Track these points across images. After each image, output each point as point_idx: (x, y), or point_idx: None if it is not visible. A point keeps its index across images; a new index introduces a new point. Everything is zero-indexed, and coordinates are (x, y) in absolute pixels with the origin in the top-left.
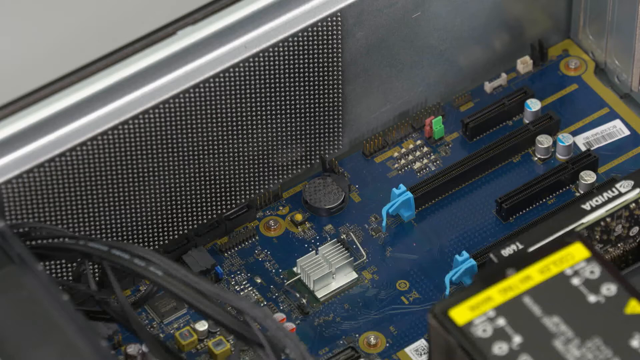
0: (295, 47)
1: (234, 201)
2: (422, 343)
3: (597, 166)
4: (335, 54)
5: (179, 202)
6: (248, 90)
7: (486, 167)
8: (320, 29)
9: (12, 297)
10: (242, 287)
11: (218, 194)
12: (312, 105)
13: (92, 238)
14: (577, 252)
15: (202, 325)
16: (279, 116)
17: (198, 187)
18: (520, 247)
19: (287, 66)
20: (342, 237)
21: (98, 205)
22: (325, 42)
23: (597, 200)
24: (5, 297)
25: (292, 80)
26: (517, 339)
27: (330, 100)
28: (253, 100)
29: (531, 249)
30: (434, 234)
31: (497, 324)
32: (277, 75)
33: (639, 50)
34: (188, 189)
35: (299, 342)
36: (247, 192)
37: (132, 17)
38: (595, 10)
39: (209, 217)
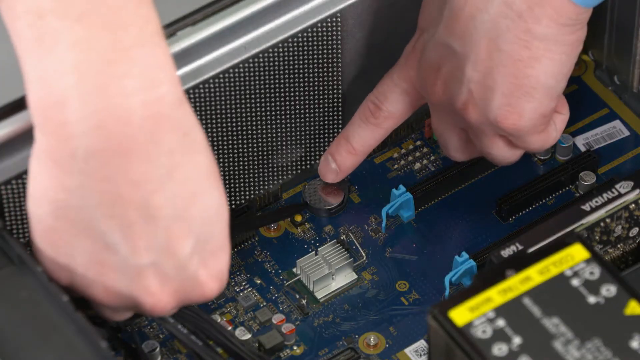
0: (295, 48)
1: (234, 201)
2: (421, 344)
3: (597, 167)
4: (335, 55)
5: None
6: (248, 91)
7: (486, 168)
8: (320, 29)
9: (11, 298)
10: (241, 287)
11: None
12: (311, 106)
13: None
14: (577, 253)
15: None
16: (278, 117)
17: None
18: (520, 247)
19: (287, 66)
20: (341, 237)
21: None
22: (325, 42)
23: (596, 201)
24: (5, 298)
25: (292, 80)
26: (516, 340)
27: (330, 100)
28: (253, 100)
29: (531, 249)
30: (434, 235)
31: (497, 325)
32: (277, 76)
33: (639, 50)
34: None
35: None
36: (247, 192)
37: None
38: (595, 11)
39: None
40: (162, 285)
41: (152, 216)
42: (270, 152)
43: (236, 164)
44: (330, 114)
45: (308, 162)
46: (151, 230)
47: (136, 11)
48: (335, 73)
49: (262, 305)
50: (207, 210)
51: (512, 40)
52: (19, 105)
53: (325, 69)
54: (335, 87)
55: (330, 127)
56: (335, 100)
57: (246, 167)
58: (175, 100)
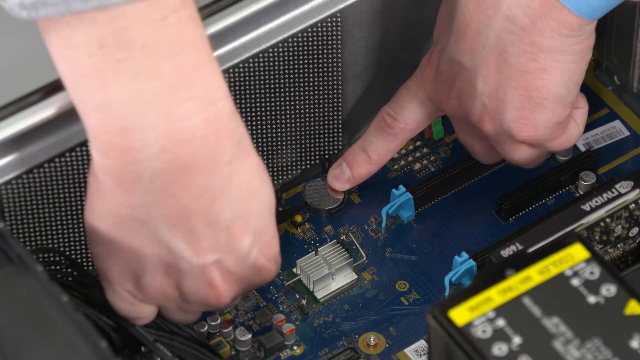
0: (295, 48)
1: None
2: (421, 344)
3: (597, 167)
4: (335, 55)
5: None
6: (247, 91)
7: (486, 168)
8: (320, 29)
9: (11, 298)
10: None
11: None
12: (311, 106)
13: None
14: (577, 252)
15: (202, 327)
16: (278, 117)
17: None
18: (520, 247)
19: (286, 66)
20: (341, 238)
21: None
22: (325, 42)
23: (596, 201)
24: (4, 298)
25: (292, 80)
26: (516, 340)
27: (330, 100)
28: (252, 101)
29: (531, 249)
30: (434, 235)
31: (497, 324)
32: (276, 76)
33: (639, 50)
34: None
35: None
36: None
37: None
38: None
39: None
40: (225, 277)
41: (214, 221)
42: (270, 152)
43: None
44: (330, 114)
45: (308, 162)
46: (213, 233)
47: (194, 33)
48: (335, 73)
49: (262, 306)
50: (262, 205)
51: (518, 53)
52: (19, 105)
53: (325, 69)
54: (335, 87)
55: (330, 127)
56: (335, 100)
57: None
58: (230, 112)
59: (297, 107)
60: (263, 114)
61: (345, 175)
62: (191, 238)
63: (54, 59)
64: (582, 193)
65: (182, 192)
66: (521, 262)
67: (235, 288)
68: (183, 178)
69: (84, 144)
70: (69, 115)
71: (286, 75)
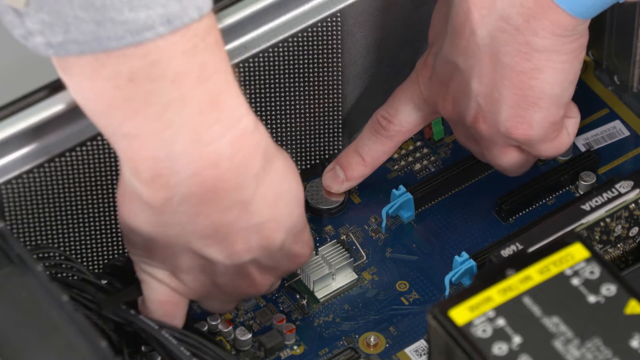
0: (295, 47)
1: None
2: (422, 344)
3: (597, 167)
4: (335, 54)
5: None
6: (247, 91)
7: (486, 168)
8: (320, 29)
9: (11, 298)
10: None
11: None
12: (311, 106)
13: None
14: (577, 252)
15: (202, 326)
16: (278, 117)
17: None
18: (520, 247)
19: (286, 66)
20: (342, 238)
21: (98, 206)
22: (325, 42)
23: (596, 201)
24: (5, 298)
25: (292, 80)
26: (516, 339)
27: (330, 100)
28: (252, 100)
29: (531, 249)
30: (434, 235)
31: (497, 324)
32: (276, 76)
33: (639, 50)
34: None
35: None
36: None
37: None
38: None
39: None
40: (261, 270)
41: (244, 227)
42: None
43: None
44: (330, 114)
45: (308, 162)
46: (245, 237)
47: (220, 56)
48: (335, 73)
49: (262, 305)
50: (290, 203)
51: (512, 53)
52: (19, 105)
53: (325, 69)
54: (335, 87)
55: (330, 127)
56: (335, 100)
57: None
58: (253, 126)
59: (297, 107)
60: (263, 114)
61: (339, 177)
62: (224, 245)
63: (72, 87)
64: (582, 193)
65: (212, 209)
66: (521, 261)
67: (272, 276)
68: (212, 197)
69: (85, 143)
70: (70, 115)
71: (286, 75)
